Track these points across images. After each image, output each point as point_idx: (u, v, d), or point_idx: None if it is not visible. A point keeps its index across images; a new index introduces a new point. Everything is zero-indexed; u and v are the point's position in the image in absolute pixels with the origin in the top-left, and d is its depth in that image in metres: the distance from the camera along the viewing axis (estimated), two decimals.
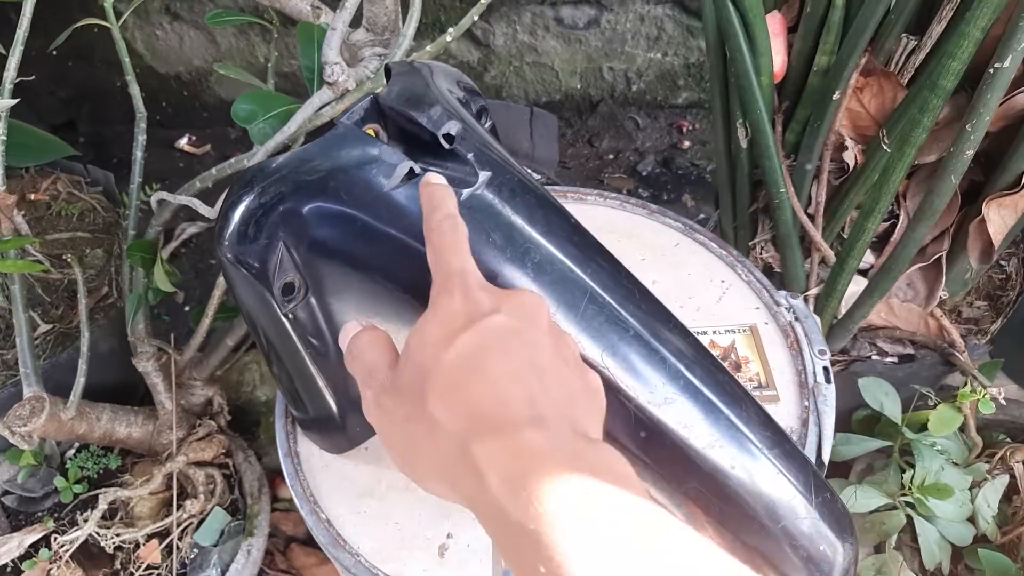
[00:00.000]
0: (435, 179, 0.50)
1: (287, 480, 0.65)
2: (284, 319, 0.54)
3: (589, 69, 1.96)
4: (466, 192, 0.52)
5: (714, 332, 0.72)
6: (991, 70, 0.67)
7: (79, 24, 0.93)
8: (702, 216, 1.87)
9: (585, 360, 0.51)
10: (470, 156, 0.54)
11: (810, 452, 0.64)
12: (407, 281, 0.54)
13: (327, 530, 0.62)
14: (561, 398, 0.38)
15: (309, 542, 1.20)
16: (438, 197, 0.47)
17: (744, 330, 0.72)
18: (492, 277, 0.51)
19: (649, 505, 0.32)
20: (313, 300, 0.55)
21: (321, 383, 0.60)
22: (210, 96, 1.97)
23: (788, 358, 0.70)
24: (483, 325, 0.38)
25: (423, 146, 0.55)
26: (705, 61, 1.92)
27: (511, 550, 0.33)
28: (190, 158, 1.96)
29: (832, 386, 0.67)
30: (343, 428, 0.64)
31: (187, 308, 1.65)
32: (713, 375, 0.55)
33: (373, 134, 0.58)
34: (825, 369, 0.68)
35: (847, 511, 0.57)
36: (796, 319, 0.72)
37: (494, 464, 0.34)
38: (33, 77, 0.88)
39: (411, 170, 0.52)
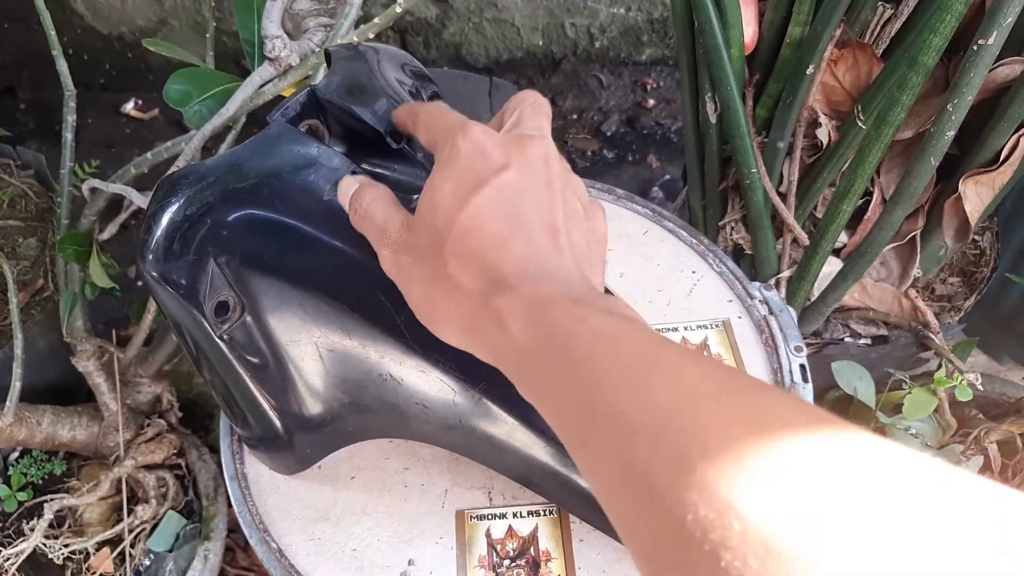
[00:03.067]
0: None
1: (234, 506, 0.61)
2: (219, 340, 0.49)
3: (551, 25, 1.90)
4: (416, 198, 0.47)
5: (686, 328, 0.69)
6: (975, 47, 0.63)
7: None
8: (668, 177, 1.83)
9: None
10: (420, 156, 0.49)
11: None
12: (353, 297, 0.49)
13: (278, 561, 0.58)
14: (571, 257, 0.38)
15: None
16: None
17: (717, 325, 0.69)
18: None
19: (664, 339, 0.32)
20: (250, 319, 0.50)
21: (264, 403, 0.55)
22: (156, 57, 1.88)
23: (763, 355, 0.67)
24: (496, 183, 0.38)
25: (368, 144, 0.50)
26: (669, 16, 1.87)
27: (537, 389, 0.34)
28: (137, 123, 1.87)
29: (810, 386, 0.64)
30: (291, 447, 0.59)
31: (140, 283, 1.59)
32: None
33: (312, 132, 0.52)
34: (802, 367, 0.65)
35: None
36: (771, 312, 0.69)
37: (516, 311, 0.35)
38: None
39: (354, 174, 0.47)
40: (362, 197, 0.44)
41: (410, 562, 0.58)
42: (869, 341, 0.89)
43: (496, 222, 0.37)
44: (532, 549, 0.58)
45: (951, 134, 0.68)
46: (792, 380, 0.65)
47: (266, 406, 0.55)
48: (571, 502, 0.57)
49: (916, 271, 0.87)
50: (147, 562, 0.94)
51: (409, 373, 0.51)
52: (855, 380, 0.85)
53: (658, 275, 0.72)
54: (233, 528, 1.16)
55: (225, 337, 0.49)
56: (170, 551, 0.95)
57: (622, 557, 0.57)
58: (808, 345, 0.90)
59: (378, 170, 0.50)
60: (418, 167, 0.49)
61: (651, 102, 2.00)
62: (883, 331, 0.89)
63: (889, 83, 0.71)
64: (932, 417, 0.88)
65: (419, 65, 0.59)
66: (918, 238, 0.85)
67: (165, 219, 0.45)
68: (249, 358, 0.52)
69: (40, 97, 1.93)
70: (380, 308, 0.48)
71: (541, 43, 1.94)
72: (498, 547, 0.58)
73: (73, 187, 0.92)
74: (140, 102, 1.91)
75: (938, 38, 0.65)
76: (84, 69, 1.88)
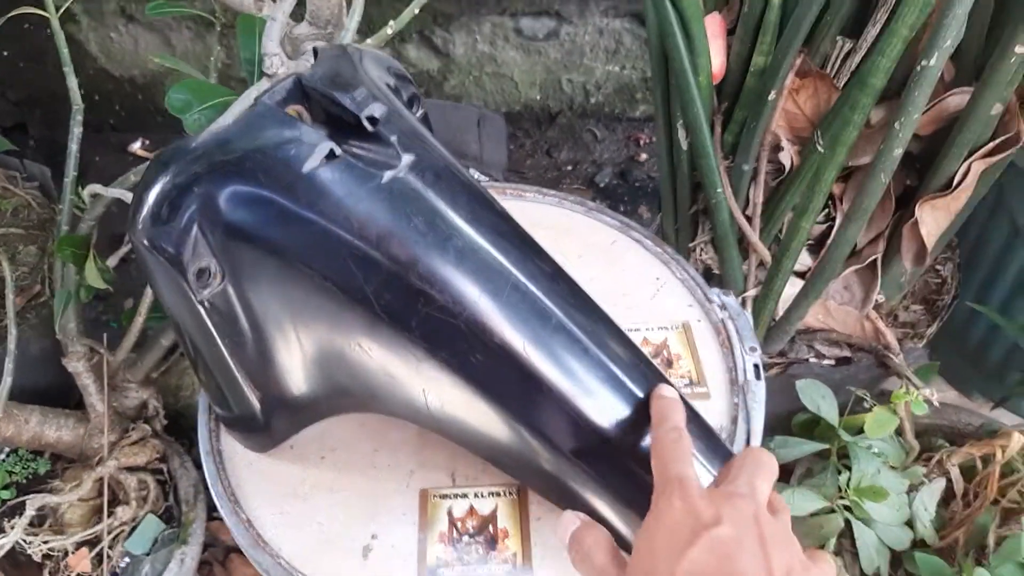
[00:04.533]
0: (667, 392, 0.51)
1: (208, 480, 0.63)
2: (199, 307, 0.53)
3: (548, 81, 1.97)
4: (388, 174, 0.51)
5: (647, 329, 0.72)
6: (919, 67, 0.68)
7: (15, 12, 0.91)
8: (657, 227, 1.87)
9: (507, 350, 0.51)
10: (393, 139, 0.53)
11: (738, 449, 0.63)
12: (326, 267, 0.52)
13: (247, 531, 0.60)
14: None
15: None
16: (668, 409, 0.49)
17: (677, 327, 0.72)
18: (413, 263, 0.50)
19: None
20: (230, 288, 0.53)
21: (241, 380, 0.58)
22: (164, 99, 1.95)
23: (720, 355, 0.70)
24: (708, 538, 0.39)
25: (347, 129, 0.54)
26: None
27: None
28: (143, 162, 1.93)
29: (762, 383, 0.67)
30: (266, 427, 0.62)
31: (133, 307, 1.61)
32: (640, 369, 0.54)
33: (296, 115, 0.57)
34: (756, 366, 0.68)
35: None
36: (729, 317, 0.72)
37: None
38: None
39: (331, 151, 0.51)
40: (583, 539, 0.46)
41: (373, 536, 0.60)
42: (833, 362, 0.92)
43: None
44: (491, 527, 0.60)
45: (899, 151, 0.72)
46: (746, 377, 0.68)
47: (241, 379, 0.58)
48: (524, 475, 0.59)
49: (879, 296, 0.91)
50: (124, 563, 0.95)
51: (377, 343, 0.54)
52: (818, 399, 0.88)
53: (624, 280, 0.76)
54: (211, 543, 1.17)
55: (205, 303, 0.53)
56: (147, 554, 0.96)
57: None
58: (773, 365, 0.93)
59: (355, 150, 0.54)
60: (391, 147, 0.53)
61: (643, 156, 2.06)
62: (847, 352, 0.93)
63: (843, 106, 0.76)
64: (894, 438, 0.90)
65: (401, 68, 0.63)
66: (879, 262, 0.89)
67: (156, 188, 0.49)
68: (227, 327, 0.55)
69: (50, 136, 1.99)
70: (351, 278, 0.52)
71: (538, 97, 2.00)
72: (459, 524, 0.61)
73: (74, 196, 0.96)
74: (147, 142, 1.97)
75: (886, 60, 0.70)
76: (95, 109, 1.94)
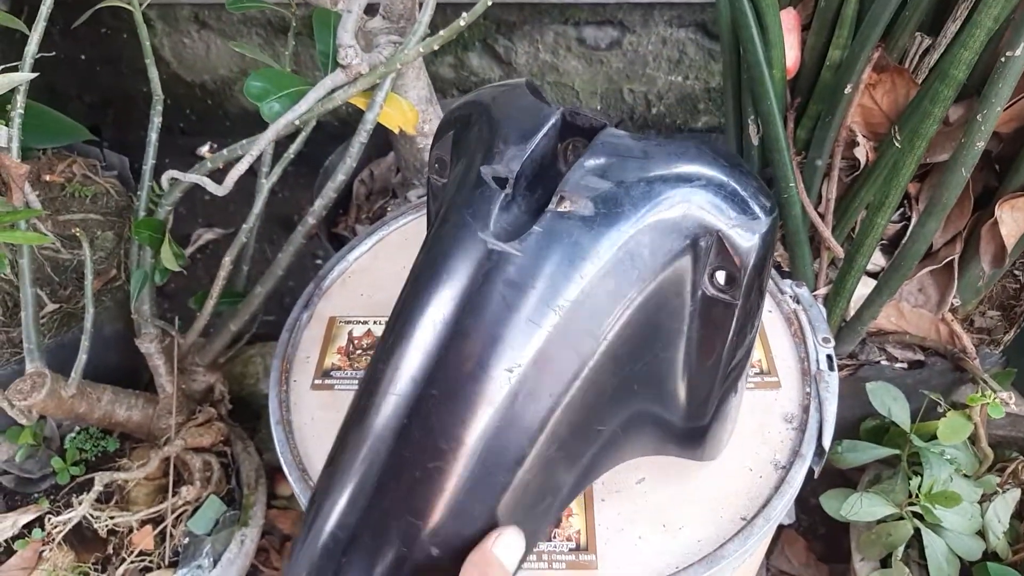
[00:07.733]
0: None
1: (277, 447, 0.64)
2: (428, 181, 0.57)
3: (610, 90, 1.97)
4: (487, 235, 0.45)
5: None
6: (1003, 59, 0.67)
7: (101, 5, 0.94)
8: None
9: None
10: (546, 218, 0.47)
11: (811, 437, 0.62)
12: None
13: None
14: None
15: None
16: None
17: None
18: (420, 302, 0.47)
19: None
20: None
21: None
22: (233, 105, 2.00)
23: (791, 346, 0.69)
24: None
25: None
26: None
27: None
28: None
29: (835, 374, 0.66)
30: None
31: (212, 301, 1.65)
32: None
33: (573, 150, 0.54)
34: (829, 357, 0.67)
35: None
36: (800, 307, 0.71)
37: None
38: (53, 54, 0.90)
39: (505, 181, 0.47)
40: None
41: None
42: (906, 365, 0.90)
43: None
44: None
45: (981, 145, 0.70)
46: (819, 368, 0.66)
47: None
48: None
49: (954, 299, 0.88)
50: (186, 542, 0.97)
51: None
52: (889, 401, 0.86)
53: None
54: (269, 530, 1.19)
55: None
56: (209, 534, 0.98)
57: (636, 516, 0.58)
58: (843, 367, 0.91)
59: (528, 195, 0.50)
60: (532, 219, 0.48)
61: None
62: (920, 356, 0.90)
63: (923, 99, 0.74)
64: (968, 445, 0.87)
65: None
66: (956, 263, 0.87)
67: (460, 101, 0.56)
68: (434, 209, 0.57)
69: (122, 137, 2.05)
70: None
71: (599, 107, 2.00)
72: None
73: (151, 182, 0.99)
74: (215, 146, 2.02)
75: (968, 52, 0.69)
76: (167, 113, 1.99)
